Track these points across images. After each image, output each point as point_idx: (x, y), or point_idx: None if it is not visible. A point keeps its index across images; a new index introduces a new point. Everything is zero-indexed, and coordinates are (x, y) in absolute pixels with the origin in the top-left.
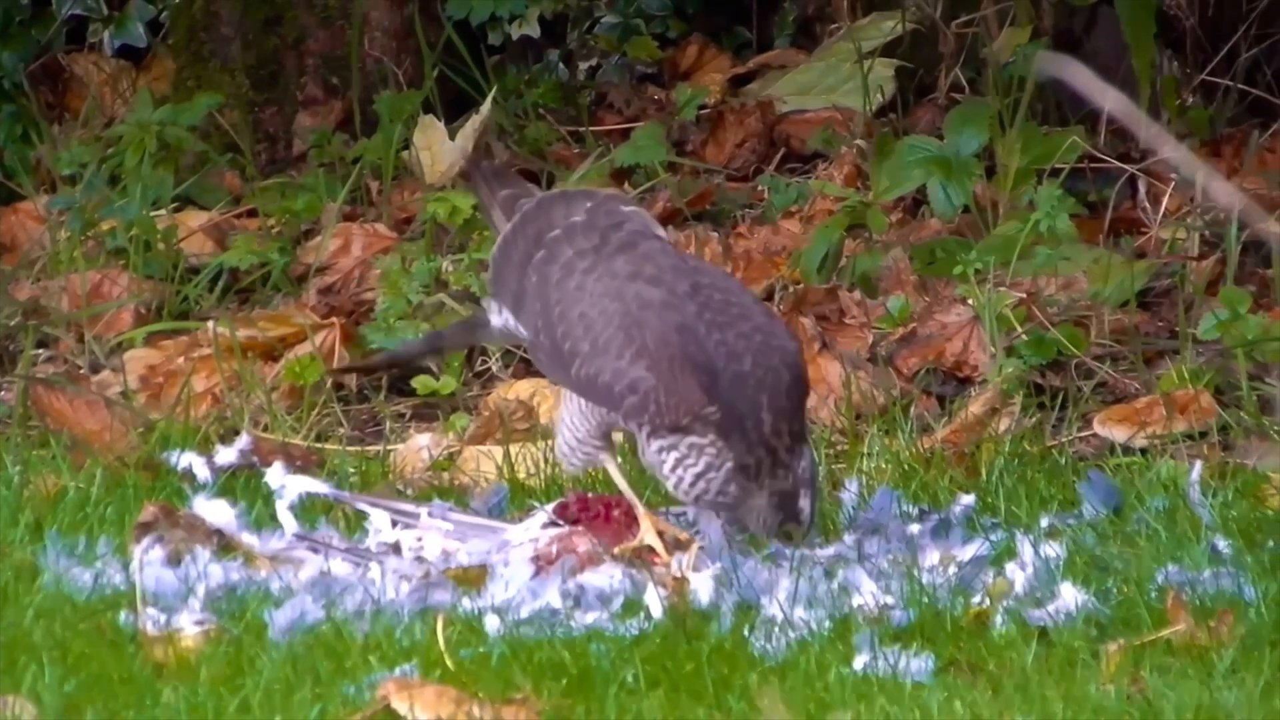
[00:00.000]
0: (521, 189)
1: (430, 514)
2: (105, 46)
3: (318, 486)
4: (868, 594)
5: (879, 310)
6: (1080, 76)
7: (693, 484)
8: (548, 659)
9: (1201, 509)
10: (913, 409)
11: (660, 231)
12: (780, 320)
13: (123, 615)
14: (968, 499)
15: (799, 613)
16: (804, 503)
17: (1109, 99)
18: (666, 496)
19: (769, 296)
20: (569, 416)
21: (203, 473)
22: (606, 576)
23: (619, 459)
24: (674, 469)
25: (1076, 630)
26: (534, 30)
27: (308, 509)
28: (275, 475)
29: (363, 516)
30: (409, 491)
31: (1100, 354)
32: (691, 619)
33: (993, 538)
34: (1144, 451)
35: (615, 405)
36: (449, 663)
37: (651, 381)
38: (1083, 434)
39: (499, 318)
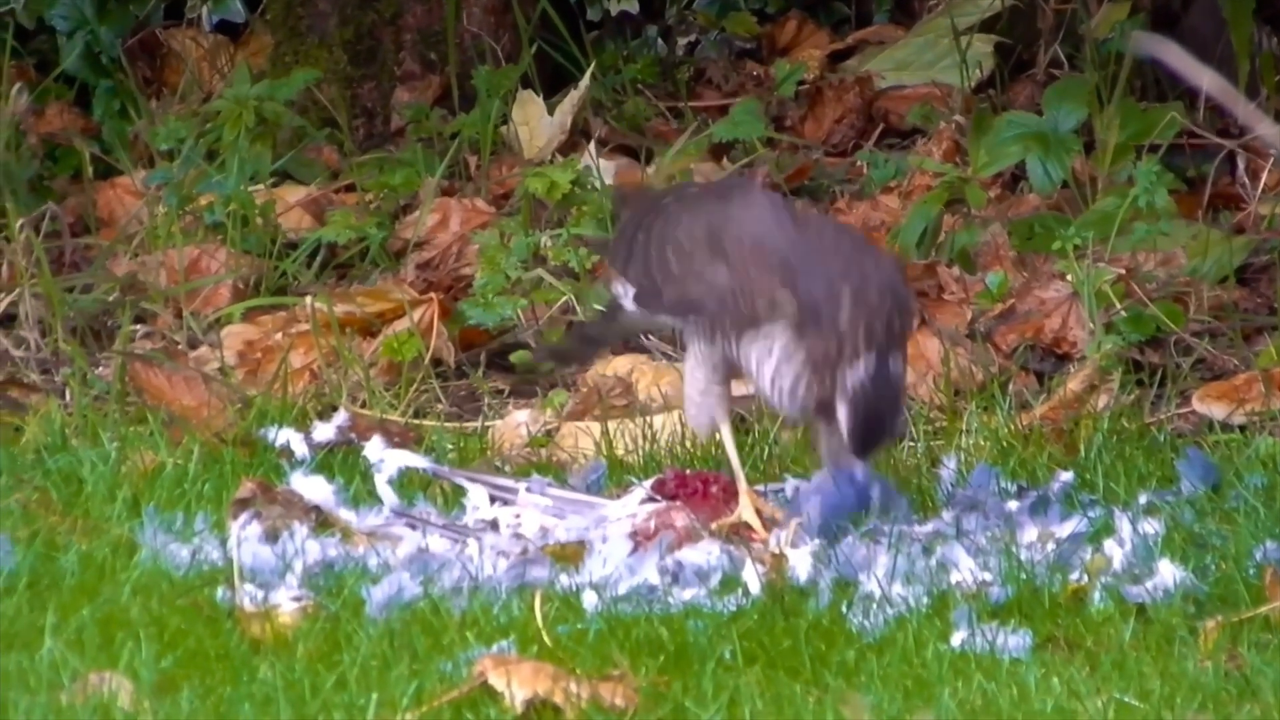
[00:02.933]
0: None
1: (528, 490)
2: (203, 21)
3: (416, 461)
4: (966, 570)
5: (977, 286)
6: (1176, 56)
7: (772, 381)
8: (645, 635)
9: None
10: (1011, 385)
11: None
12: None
13: (220, 591)
14: (1066, 476)
15: (897, 589)
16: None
17: (1204, 78)
18: (765, 472)
19: None
20: (689, 372)
21: (300, 449)
22: (704, 553)
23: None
24: (757, 367)
25: (1174, 607)
26: (632, 6)
27: (406, 485)
28: (373, 450)
29: (461, 492)
30: (507, 468)
31: (1199, 330)
32: (789, 595)
33: (1091, 514)
34: (1242, 428)
35: (701, 311)
36: (546, 639)
37: (728, 277)
38: (1181, 411)
39: (627, 300)
